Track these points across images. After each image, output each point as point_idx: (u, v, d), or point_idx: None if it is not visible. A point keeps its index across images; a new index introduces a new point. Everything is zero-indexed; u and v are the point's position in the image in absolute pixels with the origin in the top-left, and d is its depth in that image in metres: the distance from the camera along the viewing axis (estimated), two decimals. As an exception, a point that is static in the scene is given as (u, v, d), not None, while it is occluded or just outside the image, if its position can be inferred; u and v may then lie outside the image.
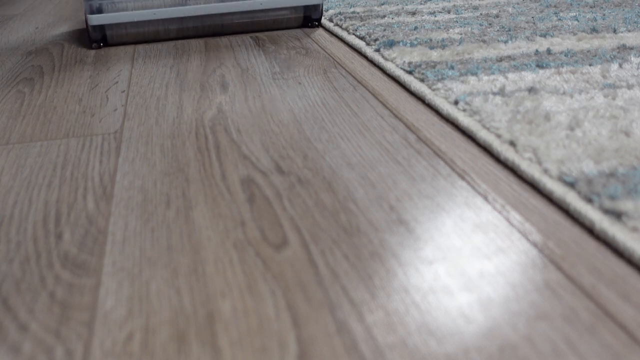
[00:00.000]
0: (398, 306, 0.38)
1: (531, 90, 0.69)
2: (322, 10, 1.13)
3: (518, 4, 1.22)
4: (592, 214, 0.45)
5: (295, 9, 1.12)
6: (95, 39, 1.07)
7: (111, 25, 1.06)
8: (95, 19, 1.04)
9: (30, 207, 0.53)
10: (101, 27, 1.05)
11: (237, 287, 0.40)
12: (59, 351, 0.35)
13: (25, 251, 0.46)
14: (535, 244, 0.43)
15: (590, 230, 0.44)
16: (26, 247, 0.47)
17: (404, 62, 0.83)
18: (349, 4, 1.29)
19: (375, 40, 0.97)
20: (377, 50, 0.93)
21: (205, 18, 1.08)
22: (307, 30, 1.14)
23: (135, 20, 1.05)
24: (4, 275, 0.43)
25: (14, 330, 0.37)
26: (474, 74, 0.76)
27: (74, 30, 1.28)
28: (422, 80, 0.76)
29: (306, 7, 1.13)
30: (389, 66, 0.84)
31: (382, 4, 1.28)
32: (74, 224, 0.49)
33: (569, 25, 0.99)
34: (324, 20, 1.18)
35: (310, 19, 1.14)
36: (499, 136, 0.59)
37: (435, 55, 0.86)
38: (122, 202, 0.52)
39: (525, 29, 0.99)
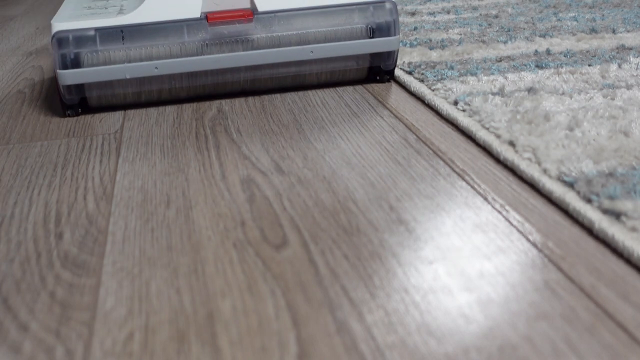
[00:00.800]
0: (398, 306, 0.38)
1: (530, 90, 0.69)
2: (396, 58, 0.78)
3: (517, 4, 1.22)
4: (591, 213, 0.45)
5: (359, 58, 0.78)
6: (70, 103, 0.72)
7: (94, 85, 0.72)
8: (71, 76, 0.70)
9: (31, 207, 0.53)
10: (79, 88, 0.71)
11: (237, 287, 0.40)
12: (59, 351, 0.35)
13: (25, 251, 0.46)
14: (534, 244, 0.43)
15: (589, 230, 0.45)
16: (26, 246, 0.47)
17: (404, 62, 0.83)
18: (348, 4, 1.29)
19: (375, 40, 0.97)
20: (377, 51, 0.93)
21: (229, 72, 0.75)
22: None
23: (128, 76, 0.71)
24: (4, 275, 0.43)
25: (14, 330, 0.37)
26: (474, 74, 0.76)
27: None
28: (421, 81, 0.77)
29: (374, 56, 0.78)
30: (389, 66, 0.84)
31: (382, 4, 1.28)
32: (74, 223, 0.49)
33: (568, 26, 0.99)
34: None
35: (379, 70, 0.80)
36: (498, 136, 0.59)
37: (434, 55, 0.86)
38: (122, 202, 0.52)
39: (524, 29, 0.99)
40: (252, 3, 0.74)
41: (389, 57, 0.78)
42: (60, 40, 0.70)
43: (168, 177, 0.56)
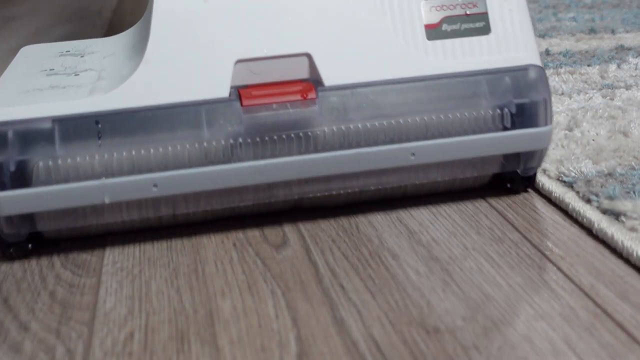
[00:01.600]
0: (398, 306, 0.38)
1: (530, 90, 0.69)
2: (542, 158, 0.48)
3: (517, 4, 1.22)
4: (590, 214, 0.45)
5: (484, 162, 0.47)
6: (13, 240, 0.44)
7: (51, 215, 0.43)
8: (12, 202, 0.42)
9: (30, 207, 0.52)
10: (26, 219, 0.43)
11: (237, 287, 0.40)
12: (60, 351, 0.35)
13: (25, 251, 0.46)
14: (534, 244, 0.43)
15: (589, 230, 0.45)
16: (26, 247, 0.47)
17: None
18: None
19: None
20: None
21: (274, 188, 0.45)
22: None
23: (109, 201, 0.43)
24: (5, 275, 0.43)
25: (14, 329, 0.37)
26: (473, 74, 0.76)
27: (75, 31, 1.28)
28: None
29: (509, 157, 0.47)
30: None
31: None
32: (74, 224, 0.49)
33: (567, 26, 1.00)
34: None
35: (512, 176, 0.49)
36: (498, 136, 0.59)
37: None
38: (122, 202, 0.52)
39: (524, 29, 0.99)
40: (314, 70, 0.45)
41: (533, 157, 0.47)
42: None
43: (168, 177, 0.56)
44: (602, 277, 0.39)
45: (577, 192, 0.48)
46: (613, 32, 0.94)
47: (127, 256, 0.45)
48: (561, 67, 0.77)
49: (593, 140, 0.56)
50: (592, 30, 0.95)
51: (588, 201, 0.47)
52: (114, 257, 0.44)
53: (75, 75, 0.46)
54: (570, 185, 0.49)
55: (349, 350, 0.34)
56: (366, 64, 0.45)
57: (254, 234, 0.46)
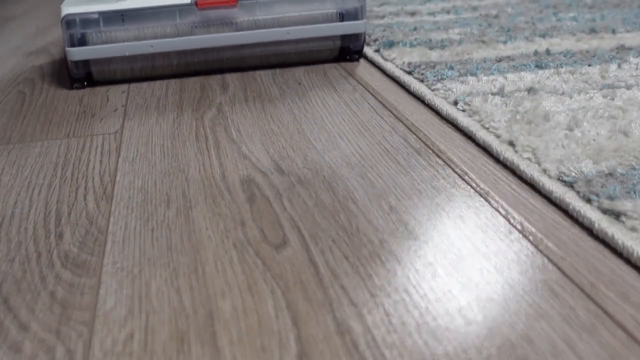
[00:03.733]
0: (398, 306, 0.38)
1: (530, 90, 0.69)
2: (364, 40, 0.90)
3: (517, 4, 1.22)
4: (591, 213, 0.45)
5: (330, 39, 0.88)
6: (77, 77, 0.84)
7: (98, 61, 0.83)
8: (78, 53, 0.81)
9: (31, 207, 0.53)
10: (85, 63, 0.83)
11: (237, 287, 0.40)
12: (60, 351, 0.35)
13: (25, 251, 0.46)
14: (535, 244, 0.43)
15: (589, 230, 0.45)
16: (27, 246, 0.47)
17: (404, 62, 0.84)
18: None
19: (375, 40, 0.97)
20: (377, 51, 0.93)
21: (216, 51, 0.86)
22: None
23: (127, 54, 0.82)
24: (5, 275, 0.43)
25: (14, 329, 0.37)
26: (474, 74, 0.76)
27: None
28: (421, 81, 0.77)
29: (344, 37, 0.89)
30: (389, 67, 0.84)
31: (382, 5, 1.28)
32: (74, 223, 0.49)
33: (568, 26, 0.99)
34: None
35: (349, 50, 0.90)
36: (498, 136, 0.59)
37: (434, 55, 0.86)
38: (122, 202, 0.52)
39: (524, 29, 0.99)
40: None
41: (357, 38, 0.89)
42: (69, 22, 0.81)
43: (168, 177, 0.57)
44: (602, 277, 0.39)
45: (578, 192, 0.48)
46: (614, 31, 0.94)
47: (127, 256, 0.45)
48: (562, 67, 0.77)
49: (593, 140, 0.56)
50: (593, 30, 0.95)
51: (588, 201, 0.47)
52: (114, 257, 0.44)
53: None
54: (570, 185, 0.49)
55: (349, 350, 0.34)
56: None
57: (254, 234, 0.46)
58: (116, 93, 0.82)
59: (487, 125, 0.61)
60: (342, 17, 0.87)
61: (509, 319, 0.36)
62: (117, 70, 0.85)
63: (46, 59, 1.04)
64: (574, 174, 0.50)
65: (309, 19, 0.86)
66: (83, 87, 0.85)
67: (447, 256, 0.43)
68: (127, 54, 0.82)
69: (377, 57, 0.89)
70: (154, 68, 0.86)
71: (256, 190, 0.53)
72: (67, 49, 0.81)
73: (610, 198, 0.46)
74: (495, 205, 0.49)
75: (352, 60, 0.91)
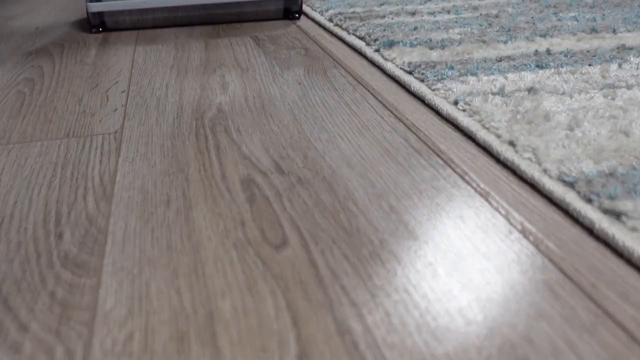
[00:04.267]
0: (398, 306, 0.38)
1: (531, 90, 0.69)
2: (301, 3, 1.23)
3: (518, 4, 1.22)
4: (591, 214, 0.45)
5: (274, 2, 1.23)
6: (94, 24, 1.21)
7: (109, 13, 1.19)
8: (94, 7, 1.20)
9: (31, 207, 0.53)
10: (100, 14, 1.19)
11: (237, 287, 0.40)
12: (59, 351, 0.35)
13: (25, 251, 0.46)
14: (535, 244, 0.43)
15: (589, 230, 0.44)
16: (26, 247, 0.47)
17: (404, 62, 0.83)
18: (348, 4, 1.29)
19: (375, 40, 0.97)
20: (377, 51, 0.93)
21: (193, 9, 1.21)
22: (306, 30, 1.14)
23: (129, 8, 1.18)
24: (5, 275, 0.43)
25: (14, 330, 0.37)
26: (474, 74, 0.76)
27: (74, 30, 1.28)
28: (421, 81, 0.77)
29: (286, 0, 1.23)
30: (389, 66, 0.84)
31: (382, 4, 1.28)
32: (74, 224, 0.49)
33: (568, 26, 0.99)
34: (324, 21, 1.18)
35: (290, 11, 1.24)
36: (498, 136, 0.59)
37: (435, 55, 0.86)
38: (122, 202, 0.52)
39: (524, 29, 0.99)
40: None
41: (295, 2, 1.24)
42: None
43: (168, 177, 0.56)
44: (602, 277, 0.39)
45: (578, 192, 0.48)
46: (614, 31, 0.94)
47: (127, 256, 0.44)
48: (562, 67, 0.77)
49: (594, 140, 0.56)
50: (594, 30, 0.95)
51: (589, 201, 0.47)
52: (114, 257, 0.44)
53: None
54: (571, 185, 0.49)
55: (349, 350, 0.34)
56: None
57: (254, 234, 0.46)
58: (116, 93, 0.82)
59: (487, 125, 0.61)
60: None
61: (509, 319, 0.36)
62: (124, 21, 1.20)
63: (46, 59, 1.04)
64: (574, 174, 0.50)
65: None
66: (99, 32, 1.20)
67: (447, 256, 0.43)
68: (128, 8, 1.18)
69: (377, 57, 0.89)
70: (150, 20, 1.20)
71: (256, 190, 0.53)
72: (87, 3, 1.18)
73: (611, 198, 0.46)
74: (495, 205, 0.49)
75: (293, 18, 1.24)
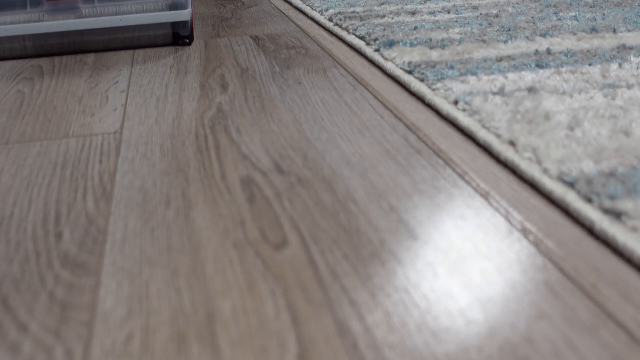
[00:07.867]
0: (398, 306, 0.38)
1: (531, 90, 0.69)
2: (192, 27, 1.07)
3: (518, 4, 1.22)
4: (592, 214, 0.45)
5: (161, 26, 1.05)
6: None
7: None
8: None
9: (30, 207, 0.53)
10: None
11: (237, 287, 0.40)
12: (59, 351, 0.35)
13: (25, 251, 0.46)
14: (535, 244, 0.43)
15: (590, 230, 0.44)
16: (26, 247, 0.47)
17: (404, 62, 0.83)
18: (348, 3, 1.29)
19: (375, 40, 0.97)
20: (377, 50, 0.93)
21: (64, 35, 1.03)
22: (306, 29, 1.14)
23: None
24: (4, 275, 0.43)
25: (13, 330, 0.37)
26: (474, 74, 0.76)
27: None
28: (422, 80, 0.77)
29: (174, 24, 1.05)
30: (389, 66, 0.84)
31: (382, 4, 1.28)
32: (74, 224, 0.49)
33: (569, 25, 0.99)
34: (324, 20, 1.18)
35: (179, 36, 1.06)
36: (499, 136, 0.59)
37: (435, 55, 0.86)
38: (122, 202, 0.52)
39: (525, 29, 0.99)
40: None
41: (185, 25, 1.06)
42: None
43: (168, 177, 0.56)
44: (603, 278, 0.39)
45: (579, 192, 0.48)
46: (615, 31, 0.94)
47: (127, 256, 0.44)
48: (562, 67, 0.77)
49: (594, 140, 0.56)
50: (594, 30, 0.95)
51: (589, 201, 0.47)
52: (114, 257, 0.44)
53: None
54: (571, 185, 0.49)
55: (349, 350, 0.34)
56: None
57: (254, 234, 0.46)
58: (116, 93, 0.82)
59: (487, 125, 0.61)
60: (171, 8, 1.05)
61: (509, 320, 0.36)
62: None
63: (46, 59, 1.04)
64: (575, 174, 0.50)
65: (142, 9, 1.04)
66: None
67: (447, 256, 0.42)
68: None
69: (377, 57, 0.89)
70: (14, 49, 1.03)
71: (256, 190, 0.53)
72: None
73: (612, 198, 0.46)
74: (495, 205, 0.49)
75: (183, 44, 1.07)
